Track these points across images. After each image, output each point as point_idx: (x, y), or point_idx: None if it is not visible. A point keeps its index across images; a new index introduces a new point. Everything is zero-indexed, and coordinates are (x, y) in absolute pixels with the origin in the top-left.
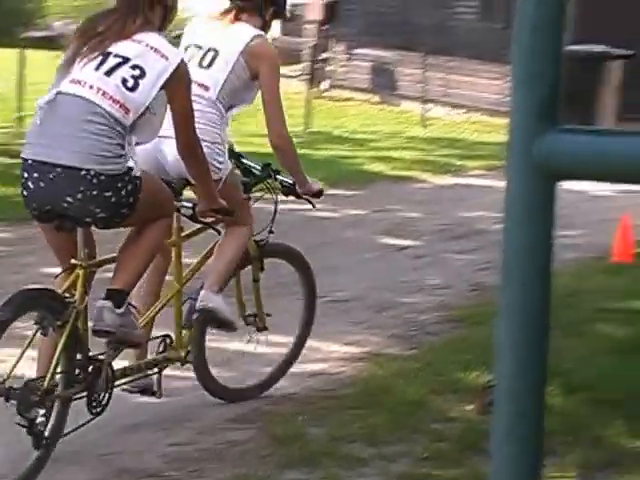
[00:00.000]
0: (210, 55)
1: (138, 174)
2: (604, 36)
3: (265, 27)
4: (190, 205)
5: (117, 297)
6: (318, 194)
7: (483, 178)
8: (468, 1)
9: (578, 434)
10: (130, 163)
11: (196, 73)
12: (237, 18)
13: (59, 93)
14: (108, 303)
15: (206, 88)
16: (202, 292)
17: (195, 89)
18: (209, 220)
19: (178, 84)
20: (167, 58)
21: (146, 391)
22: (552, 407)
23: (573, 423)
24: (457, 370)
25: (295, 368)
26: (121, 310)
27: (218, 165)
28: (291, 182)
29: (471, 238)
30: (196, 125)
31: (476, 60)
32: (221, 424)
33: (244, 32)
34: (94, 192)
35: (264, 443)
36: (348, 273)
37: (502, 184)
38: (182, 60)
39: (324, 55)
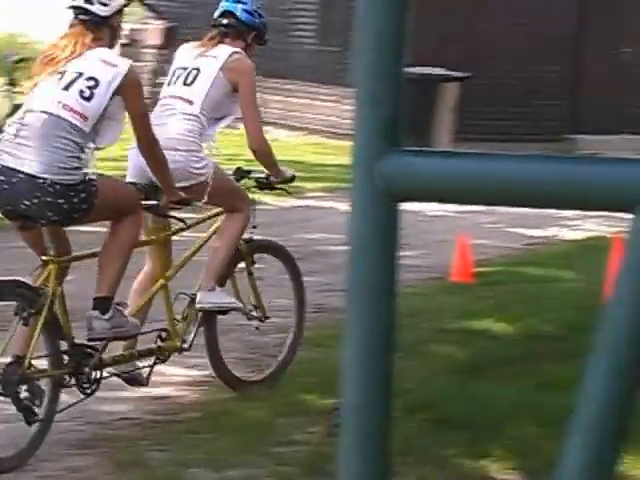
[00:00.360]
0: (193, 73)
1: (94, 179)
2: (440, 59)
3: (247, 50)
4: (154, 202)
5: (103, 304)
6: (292, 179)
7: (323, 200)
8: (305, 25)
9: (418, 455)
10: (85, 171)
11: (181, 90)
12: (220, 42)
13: (28, 111)
14: (95, 313)
15: (190, 102)
16: (199, 295)
17: (179, 104)
18: (174, 212)
19: (129, 88)
20: (116, 66)
21: (134, 381)
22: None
23: (413, 444)
24: (302, 392)
25: (137, 392)
26: (108, 315)
27: (195, 171)
28: (264, 176)
29: (312, 260)
30: (173, 135)
31: (314, 83)
32: (61, 450)
33: (223, 51)
34: (48, 199)
35: (106, 469)
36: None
37: (342, 206)
38: (131, 66)
39: (162, 79)
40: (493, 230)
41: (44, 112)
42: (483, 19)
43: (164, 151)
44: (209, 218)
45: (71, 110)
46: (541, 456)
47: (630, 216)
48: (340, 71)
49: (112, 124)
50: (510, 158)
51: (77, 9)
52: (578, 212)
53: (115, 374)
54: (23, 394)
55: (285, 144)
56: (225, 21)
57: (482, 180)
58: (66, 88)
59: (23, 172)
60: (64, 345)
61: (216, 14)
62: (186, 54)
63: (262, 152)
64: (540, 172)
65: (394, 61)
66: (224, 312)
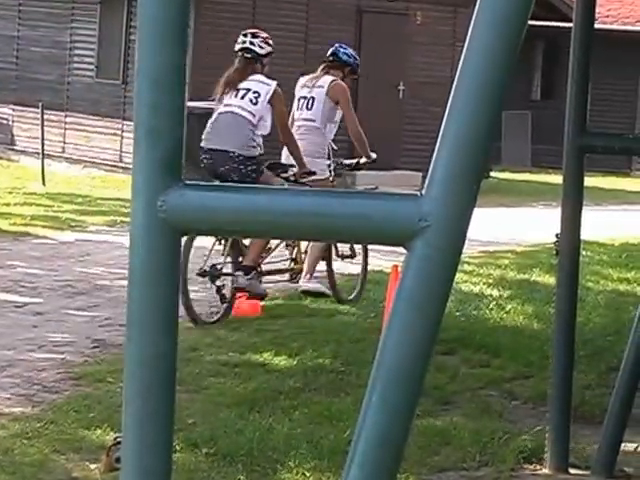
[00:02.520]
0: (311, 101)
1: (263, 165)
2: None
3: (344, 79)
4: (291, 173)
5: (246, 269)
6: (374, 160)
7: (104, 234)
8: (84, 57)
9: None
10: (259, 151)
11: (305, 113)
12: (326, 73)
13: (220, 113)
14: (240, 273)
15: (313, 121)
16: (300, 281)
17: (306, 123)
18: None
19: (276, 100)
20: (269, 85)
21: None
22: (174, 462)
23: (195, 479)
24: (80, 428)
25: None
26: (249, 276)
27: (322, 168)
28: (354, 162)
29: (92, 294)
30: (305, 146)
31: (94, 116)
32: None
33: (326, 80)
34: (234, 165)
35: None
36: None
37: (124, 239)
38: (276, 85)
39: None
40: (275, 264)
41: (231, 112)
42: None
43: (305, 157)
44: None
45: (245, 110)
46: None
47: (404, 251)
48: (120, 104)
49: (267, 121)
50: (288, 192)
51: (245, 50)
52: (357, 246)
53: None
54: (219, 283)
55: (65, 178)
56: (330, 59)
57: (261, 213)
58: (242, 98)
59: (218, 150)
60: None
61: (328, 54)
62: (303, 85)
63: (360, 141)
64: (317, 206)
65: (174, 95)
66: (315, 296)
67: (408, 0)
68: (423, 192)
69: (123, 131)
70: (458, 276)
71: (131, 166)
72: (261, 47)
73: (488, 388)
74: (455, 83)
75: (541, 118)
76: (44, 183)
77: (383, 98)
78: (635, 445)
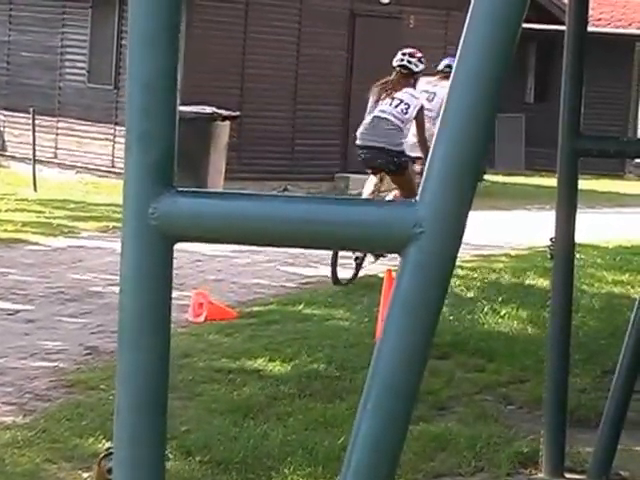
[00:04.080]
0: (432, 95)
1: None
2: (212, 97)
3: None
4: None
5: None
6: None
7: (97, 239)
8: (76, 62)
9: None
10: (404, 147)
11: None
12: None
13: (375, 117)
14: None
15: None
16: None
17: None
18: None
19: (420, 113)
20: (418, 99)
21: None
22: (168, 470)
23: None
24: (73, 437)
25: None
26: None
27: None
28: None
29: (84, 301)
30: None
31: (86, 121)
32: None
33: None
34: (388, 158)
35: None
36: None
37: (116, 245)
38: (422, 102)
39: None
40: (268, 269)
41: (384, 118)
42: (255, 59)
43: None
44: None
45: (397, 118)
46: None
47: (398, 257)
48: (112, 109)
49: (409, 127)
50: (281, 199)
51: (402, 66)
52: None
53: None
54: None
55: (56, 183)
56: (447, 70)
57: (255, 220)
58: (395, 107)
59: (375, 147)
60: None
61: (441, 66)
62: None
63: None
64: (311, 213)
65: (164, 101)
66: None
67: (401, 4)
68: (417, 198)
69: (115, 136)
70: (452, 280)
71: (123, 172)
72: (416, 65)
73: (483, 393)
74: (449, 87)
75: (535, 121)
76: (36, 189)
77: None
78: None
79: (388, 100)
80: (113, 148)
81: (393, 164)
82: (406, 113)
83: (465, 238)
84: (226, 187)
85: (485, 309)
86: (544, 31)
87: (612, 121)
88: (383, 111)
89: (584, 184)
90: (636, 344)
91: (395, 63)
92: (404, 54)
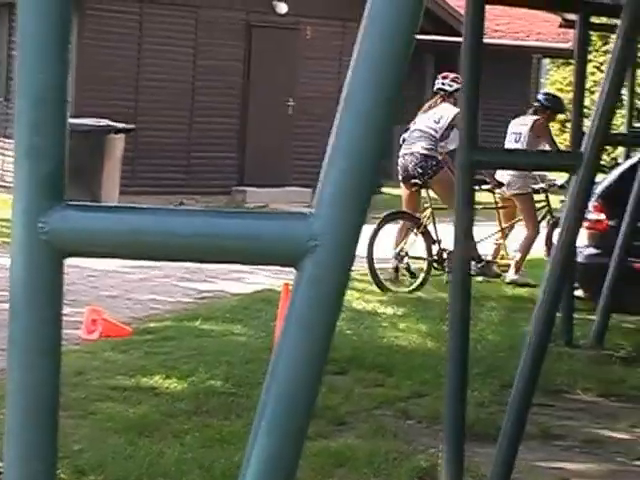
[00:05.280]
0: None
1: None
2: (107, 110)
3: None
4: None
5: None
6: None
7: None
8: None
9: None
10: (437, 154)
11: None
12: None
13: (411, 130)
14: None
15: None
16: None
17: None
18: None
19: (458, 122)
20: (452, 111)
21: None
22: None
23: None
24: None
25: None
26: (480, 264)
27: (524, 184)
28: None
29: None
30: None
31: None
32: None
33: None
34: (417, 162)
35: None
36: None
37: (6, 261)
38: (457, 113)
39: None
40: (164, 284)
41: (417, 129)
42: (151, 70)
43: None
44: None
45: (429, 127)
46: None
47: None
48: (2, 121)
49: (452, 136)
50: (176, 213)
51: (439, 90)
52: (248, 266)
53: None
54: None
55: None
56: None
57: (148, 234)
58: (429, 118)
59: (408, 152)
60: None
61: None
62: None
63: None
64: (205, 227)
65: (55, 114)
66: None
67: (298, 15)
68: (312, 211)
69: (5, 149)
70: (350, 294)
71: (13, 186)
72: (450, 85)
73: (382, 408)
74: (343, 99)
75: None
76: None
77: (273, 114)
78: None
79: (425, 115)
80: (2, 161)
81: (420, 167)
82: (438, 122)
83: (364, 251)
84: (121, 201)
85: (384, 323)
86: (442, 43)
87: None
88: (415, 123)
89: (483, 197)
90: (533, 357)
91: (434, 89)
92: (438, 77)
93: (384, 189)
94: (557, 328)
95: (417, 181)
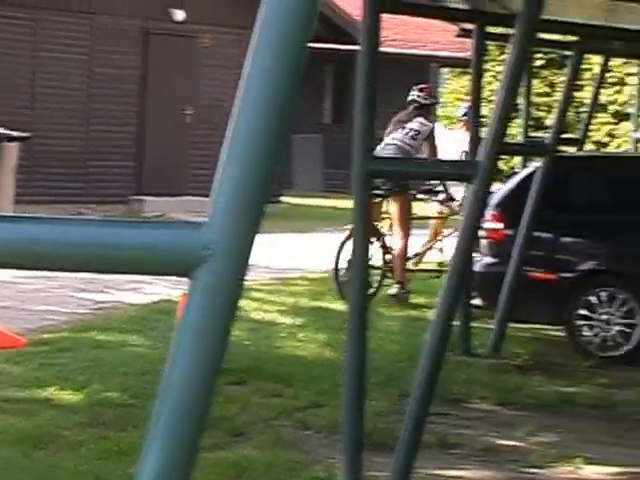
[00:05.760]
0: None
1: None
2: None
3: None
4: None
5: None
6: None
7: None
8: None
9: None
10: None
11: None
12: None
13: (386, 144)
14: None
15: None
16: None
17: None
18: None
19: (430, 138)
20: (427, 125)
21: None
22: None
23: None
24: None
25: None
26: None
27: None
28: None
29: None
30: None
31: None
32: None
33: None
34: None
35: None
36: None
37: None
38: (432, 127)
39: None
40: (59, 295)
41: (393, 144)
42: (46, 77)
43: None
44: None
45: (405, 143)
46: None
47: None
48: None
49: (424, 153)
50: (66, 222)
51: (412, 101)
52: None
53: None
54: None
55: None
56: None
57: (38, 244)
58: (406, 134)
59: None
60: None
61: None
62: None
63: None
64: (97, 236)
65: None
66: None
67: (195, 22)
68: (206, 220)
69: None
70: (249, 304)
71: None
72: (425, 99)
73: (280, 418)
74: (236, 108)
75: (332, 142)
76: None
77: (171, 122)
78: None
79: (400, 130)
80: None
81: (392, 184)
82: (415, 139)
83: (263, 260)
84: (16, 211)
85: (283, 333)
86: (341, 51)
87: None
88: (394, 138)
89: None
90: (431, 366)
91: (408, 99)
92: (414, 89)
93: (284, 198)
94: (455, 337)
95: (381, 193)
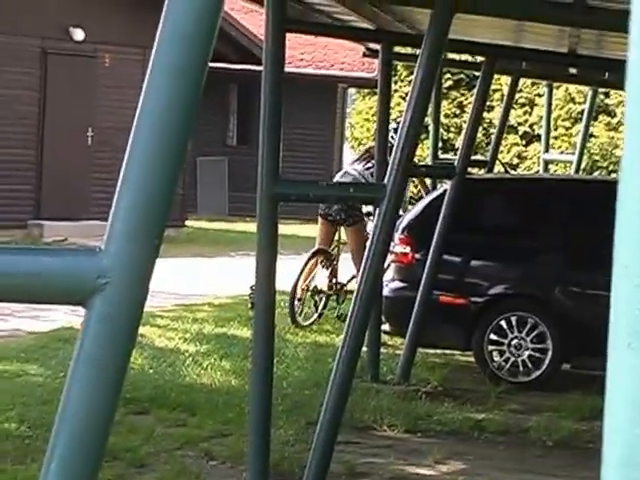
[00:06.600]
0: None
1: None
2: None
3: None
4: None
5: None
6: None
7: None
8: None
9: None
10: (363, 206)
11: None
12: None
13: (345, 172)
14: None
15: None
16: None
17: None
18: None
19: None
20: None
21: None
22: None
23: None
24: None
25: None
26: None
27: None
28: None
29: None
30: None
31: None
32: None
33: None
34: (344, 209)
35: None
36: None
37: None
38: None
39: None
40: None
41: (352, 175)
42: None
43: None
44: None
45: (363, 177)
46: None
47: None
48: None
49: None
50: None
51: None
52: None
53: None
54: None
55: None
56: None
57: None
58: (367, 169)
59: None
60: None
61: None
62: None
63: None
64: None
65: None
66: None
67: (96, 42)
68: (102, 247)
69: None
70: (152, 331)
71: None
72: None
73: (185, 448)
74: (133, 132)
75: (238, 164)
76: None
77: (71, 144)
78: None
79: (364, 162)
80: None
81: (345, 212)
82: (373, 176)
83: (166, 286)
84: None
85: (187, 361)
86: (245, 71)
87: (314, 164)
88: (355, 169)
89: (289, 229)
90: (338, 394)
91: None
92: (392, 123)
93: (188, 222)
94: (363, 363)
95: (337, 220)
